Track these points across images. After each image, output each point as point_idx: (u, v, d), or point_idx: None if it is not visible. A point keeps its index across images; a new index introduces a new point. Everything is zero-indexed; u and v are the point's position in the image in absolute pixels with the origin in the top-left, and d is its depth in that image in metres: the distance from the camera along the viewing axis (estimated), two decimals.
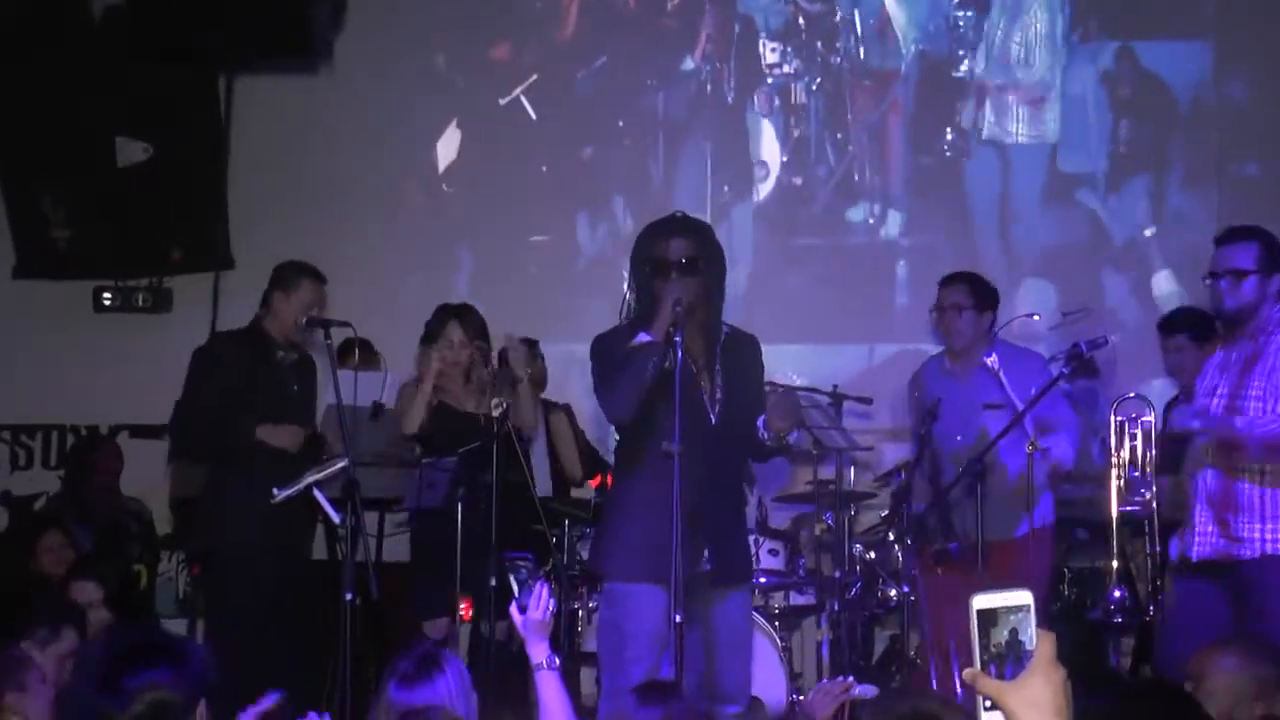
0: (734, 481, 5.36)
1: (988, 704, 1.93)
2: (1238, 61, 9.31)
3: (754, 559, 6.90)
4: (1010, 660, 1.93)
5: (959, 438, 6.49)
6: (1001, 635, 1.93)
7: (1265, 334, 5.47)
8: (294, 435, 6.60)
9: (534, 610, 4.00)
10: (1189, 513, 5.58)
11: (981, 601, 1.95)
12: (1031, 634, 1.94)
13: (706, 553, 5.03)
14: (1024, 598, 1.95)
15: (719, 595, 5.12)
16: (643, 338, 5.02)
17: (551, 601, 4.03)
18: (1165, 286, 9.06)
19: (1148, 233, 9.24)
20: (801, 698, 6.78)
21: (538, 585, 4.01)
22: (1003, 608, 1.95)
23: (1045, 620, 2.02)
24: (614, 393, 5.11)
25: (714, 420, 5.10)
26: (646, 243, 5.23)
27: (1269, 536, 5.37)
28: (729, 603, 5.17)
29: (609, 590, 5.22)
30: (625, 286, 5.33)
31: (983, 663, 1.94)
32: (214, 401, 6.56)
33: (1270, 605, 5.26)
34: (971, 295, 6.64)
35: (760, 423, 5.08)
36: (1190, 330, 6.78)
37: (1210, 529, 5.49)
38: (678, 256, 5.10)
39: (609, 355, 5.16)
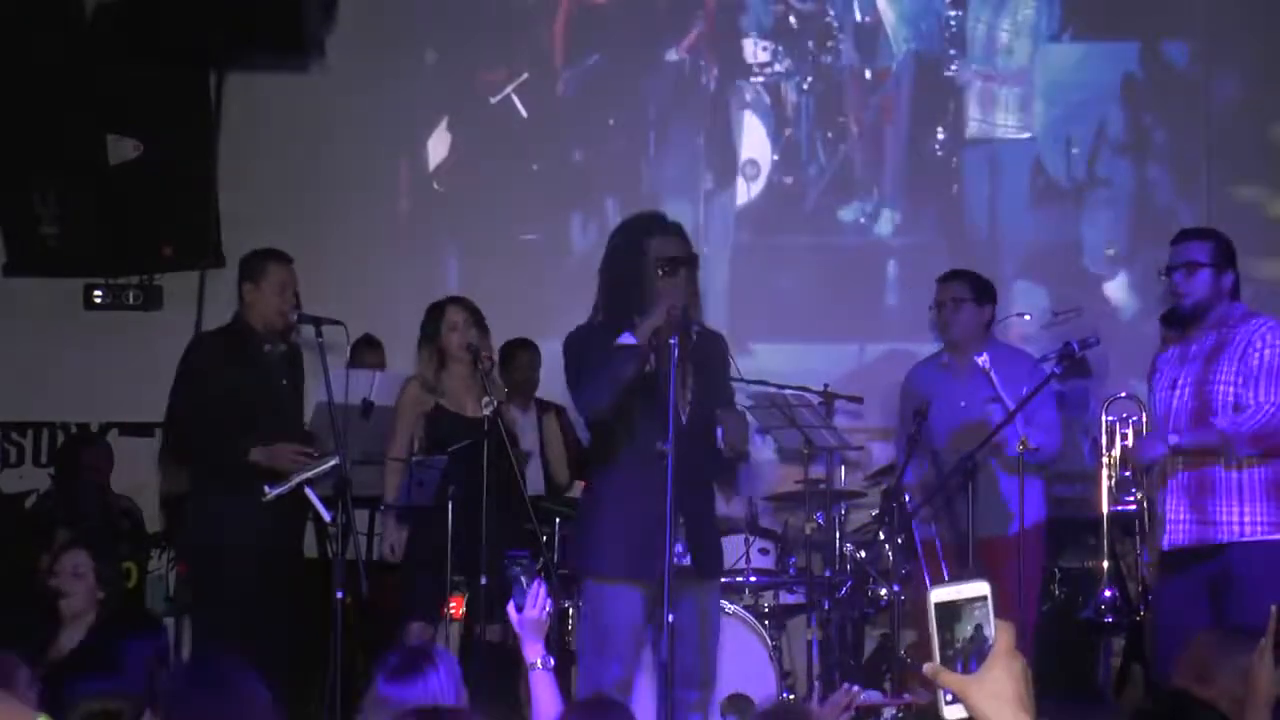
0: (706, 478, 5.43)
1: (949, 698, 1.91)
2: (1226, 61, 9.32)
3: (745, 558, 7.03)
4: (974, 654, 1.90)
5: (958, 428, 6.53)
6: (966, 630, 1.90)
7: (1229, 325, 5.49)
8: (291, 456, 6.21)
9: (530, 609, 3.99)
10: (1158, 510, 5.62)
11: (939, 595, 1.91)
12: (992, 625, 1.91)
13: (682, 548, 5.12)
14: (981, 589, 1.91)
15: (695, 589, 5.21)
16: (628, 339, 5.05)
17: (548, 601, 4.02)
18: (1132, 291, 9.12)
19: (1136, 231, 9.26)
20: (792, 697, 6.83)
21: (534, 584, 4.01)
22: (963, 600, 1.91)
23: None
24: (592, 389, 5.18)
25: (684, 420, 5.13)
26: (635, 239, 5.24)
27: (1246, 520, 5.39)
28: (704, 596, 5.30)
29: (588, 587, 5.34)
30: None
31: (945, 657, 1.91)
32: (205, 405, 6.35)
33: (1251, 598, 5.23)
34: (971, 289, 6.72)
35: (719, 435, 5.15)
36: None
37: (1184, 516, 5.50)
38: (671, 256, 5.13)
39: (585, 351, 5.20)
